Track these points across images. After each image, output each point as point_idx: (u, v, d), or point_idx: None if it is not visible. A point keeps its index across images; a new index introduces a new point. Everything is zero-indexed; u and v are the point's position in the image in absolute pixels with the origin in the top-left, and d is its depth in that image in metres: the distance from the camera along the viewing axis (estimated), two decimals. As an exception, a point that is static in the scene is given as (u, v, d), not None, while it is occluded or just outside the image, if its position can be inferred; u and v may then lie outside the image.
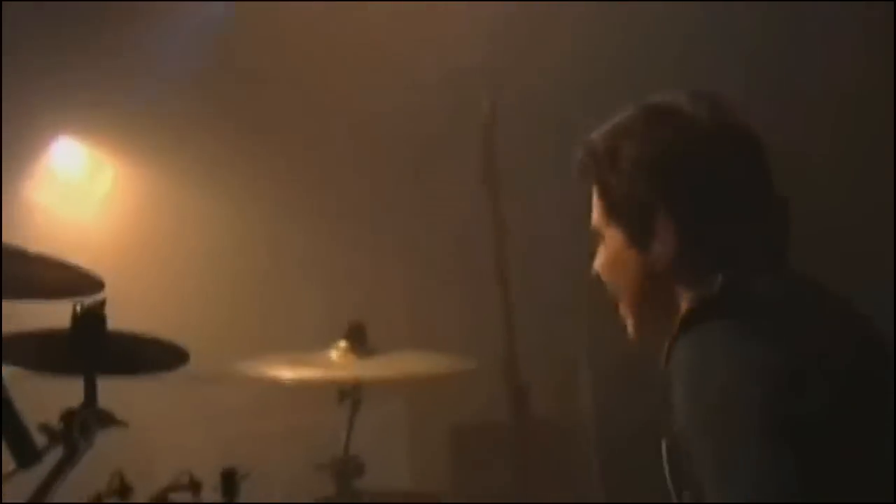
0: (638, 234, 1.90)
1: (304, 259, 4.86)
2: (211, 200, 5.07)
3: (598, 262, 1.97)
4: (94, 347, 2.59)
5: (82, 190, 5.34)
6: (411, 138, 4.60)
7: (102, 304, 2.62)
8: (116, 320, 4.65)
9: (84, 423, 2.54)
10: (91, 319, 2.60)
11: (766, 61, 4.07)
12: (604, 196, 1.93)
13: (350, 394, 3.52)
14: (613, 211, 1.92)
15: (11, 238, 4.77)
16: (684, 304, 1.90)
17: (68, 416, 2.54)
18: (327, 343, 3.58)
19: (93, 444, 2.58)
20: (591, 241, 1.99)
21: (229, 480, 2.78)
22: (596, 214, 1.96)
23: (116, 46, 5.08)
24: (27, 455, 2.35)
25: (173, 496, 3.08)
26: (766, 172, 1.96)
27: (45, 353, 2.63)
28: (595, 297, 2.08)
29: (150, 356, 2.70)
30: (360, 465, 3.45)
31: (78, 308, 2.60)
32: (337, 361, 3.54)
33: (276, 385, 3.41)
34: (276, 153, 4.95)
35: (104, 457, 3.22)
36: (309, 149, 4.92)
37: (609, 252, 1.95)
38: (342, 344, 3.57)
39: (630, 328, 1.97)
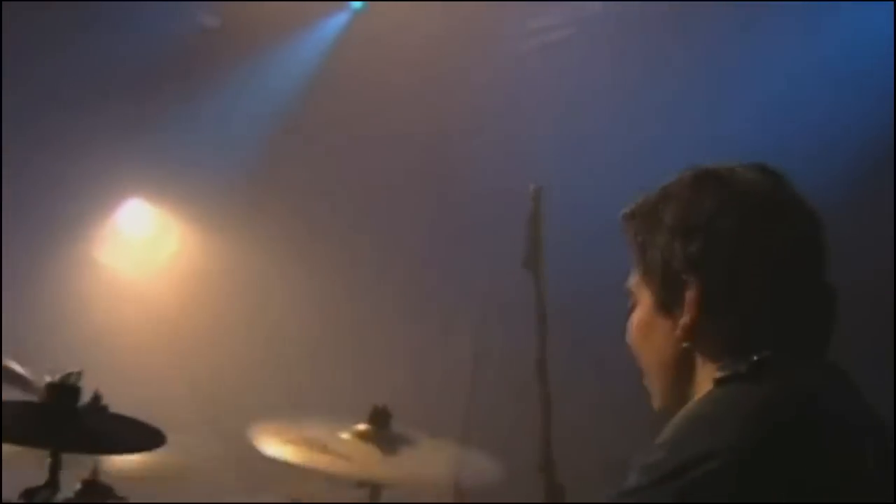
0: (665, 300, 1.81)
1: (351, 332, 4.78)
2: (273, 266, 5.02)
3: (629, 329, 1.89)
4: (65, 422, 2.43)
5: (148, 251, 5.32)
6: (464, 220, 4.51)
7: (78, 376, 2.47)
8: (165, 377, 4.73)
9: (45, 502, 2.38)
10: (63, 392, 2.45)
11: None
12: (640, 257, 1.85)
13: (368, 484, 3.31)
14: (647, 273, 1.84)
15: (76, 296, 4.94)
16: (705, 384, 1.78)
17: (28, 494, 2.38)
18: (349, 424, 3.37)
19: (53, 525, 2.42)
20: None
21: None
22: (632, 276, 1.88)
23: (189, 112, 5.11)
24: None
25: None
26: (814, 255, 1.83)
27: (17, 423, 2.46)
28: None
29: (123, 436, 2.52)
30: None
31: (49, 379, 2.45)
32: (360, 452, 3.29)
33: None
34: (340, 226, 4.93)
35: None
36: (364, 223, 4.90)
37: (639, 315, 1.86)
38: (362, 427, 3.35)
39: (654, 398, 1.87)
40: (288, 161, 5.10)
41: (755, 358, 1.76)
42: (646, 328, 1.86)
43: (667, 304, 1.81)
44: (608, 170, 4.05)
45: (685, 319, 1.79)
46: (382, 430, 3.36)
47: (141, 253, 5.32)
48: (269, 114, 5.17)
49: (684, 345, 1.80)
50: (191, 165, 5.11)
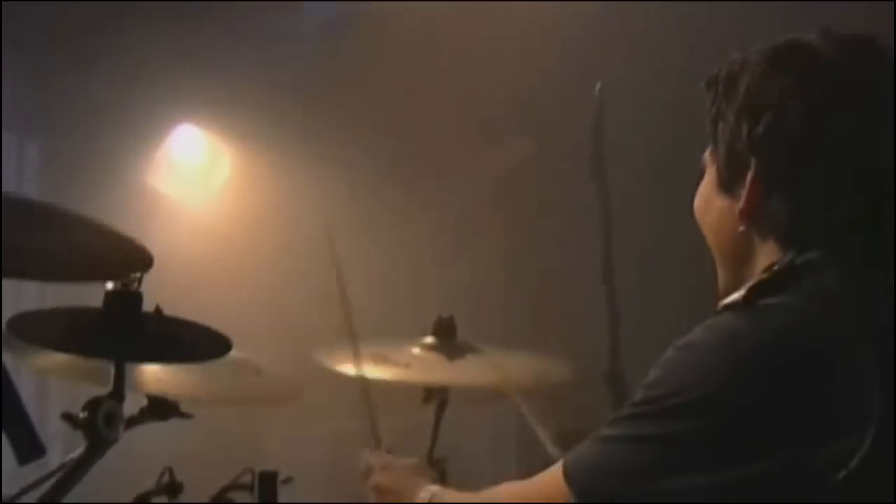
0: (726, 178, 1.77)
1: (405, 249, 4.70)
2: (324, 190, 4.93)
3: (695, 200, 1.86)
4: (127, 330, 2.37)
5: (200, 177, 5.26)
6: (519, 134, 4.40)
7: (139, 282, 2.40)
8: (223, 303, 4.70)
9: (110, 412, 2.32)
10: (125, 299, 2.38)
11: None
12: (712, 129, 1.81)
13: (437, 395, 3.24)
14: (715, 147, 1.80)
15: (130, 223, 4.91)
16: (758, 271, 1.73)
17: (93, 405, 2.32)
18: (413, 338, 3.30)
19: (119, 436, 2.36)
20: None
21: (267, 483, 2.51)
22: (709, 147, 1.84)
23: (241, 37, 5.03)
24: (28, 449, 2.11)
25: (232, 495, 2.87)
26: (886, 143, 1.71)
27: (73, 333, 2.39)
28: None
29: (188, 343, 2.46)
30: (441, 470, 3.15)
31: (111, 286, 2.38)
32: (423, 360, 3.24)
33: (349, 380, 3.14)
34: (389, 147, 4.85)
35: (157, 452, 3.09)
36: (417, 144, 4.79)
37: (704, 190, 1.83)
38: (429, 340, 3.29)
39: (719, 279, 1.84)
40: (343, 84, 5.01)
41: (776, 269, 1.69)
42: (705, 204, 1.81)
43: (727, 182, 1.76)
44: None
45: (741, 203, 1.74)
46: (448, 341, 3.29)
47: (194, 179, 5.27)
48: (322, 35, 5.07)
49: (742, 228, 1.74)
50: (241, 90, 5.03)
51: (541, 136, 4.42)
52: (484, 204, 4.70)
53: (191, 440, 3.71)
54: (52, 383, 4.99)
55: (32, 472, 2.34)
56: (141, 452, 3.06)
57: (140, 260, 2.33)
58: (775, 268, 1.70)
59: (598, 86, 3.29)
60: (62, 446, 2.60)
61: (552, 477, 1.79)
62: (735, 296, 1.72)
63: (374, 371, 3.16)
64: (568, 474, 1.76)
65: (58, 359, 2.74)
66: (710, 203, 1.81)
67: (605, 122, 3.32)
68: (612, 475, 1.70)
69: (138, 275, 2.38)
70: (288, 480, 2.59)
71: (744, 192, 1.73)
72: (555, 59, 4.23)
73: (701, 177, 1.84)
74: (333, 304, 4.76)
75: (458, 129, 4.68)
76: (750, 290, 1.69)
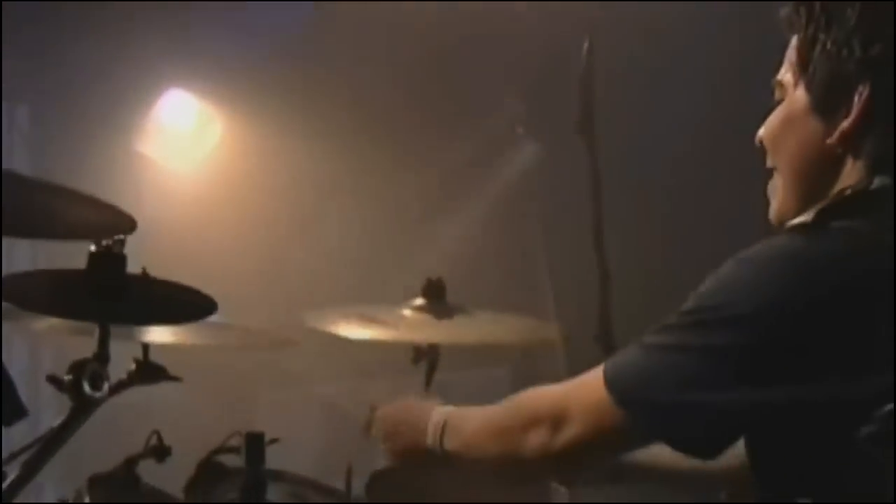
0: (827, 100, 1.74)
1: (394, 212, 4.73)
2: (316, 155, 4.92)
3: (770, 123, 1.83)
4: (111, 292, 2.35)
5: (190, 143, 5.24)
6: (507, 95, 4.38)
7: (122, 244, 2.38)
8: (212, 268, 4.70)
9: (95, 374, 2.31)
10: (109, 261, 2.36)
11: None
12: (804, 53, 1.77)
13: (426, 355, 3.23)
14: (809, 71, 1.76)
15: (118, 189, 4.91)
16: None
17: (78, 367, 2.31)
18: (402, 300, 3.29)
19: (104, 398, 2.35)
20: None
21: (254, 445, 2.50)
22: (785, 69, 1.81)
23: (232, 2, 4.97)
24: (10, 411, 2.11)
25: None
26: None
27: (57, 295, 2.38)
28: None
29: (172, 304, 2.44)
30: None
31: (95, 248, 2.37)
32: (411, 321, 3.23)
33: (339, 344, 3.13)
34: (378, 111, 4.80)
35: (146, 415, 3.08)
36: (406, 107, 4.77)
37: (787, 112, 1.80)
38: (418, 301, 3.27)
39: (774, 206, 1.83)
40: (332, 49, 4.98)
41: (847, 193, 1.69)
42: (793, 125, 1.78)
43: (824, 104, 1.74)
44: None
45: (847, 124, 1.71)
46: (437, 303, 3.27)
47: (184, 145, 5.24)
48: (313, 2, 5.05)
49: (836, 149, 1.73)
50: (232, 55, 5.00)
51: (529, 96, 4.39)
52: (473, 166, 4.68)
53: (181, 404, 3.72)
54: (44, 349, 5.00)
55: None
56: (130, 416, 3.06)
57: (122, 224, 2.32)
58: (847, 192, 1.70)
59: (585, 44, 3.28)
60: (55, 411, 2.60)
61: (591, 381, 1.76)
62: (804, 217, 1.72)
63: (361, 332, 3.16)
64: (608, 379, 1.74)
65: (51, 320, 2.72)
66: (796, 124, 1.78)
67: (594, 81, 3.30)
68: (654, 383, 1.68)
69: (122, 237, 2.35)
70: (274, 442, 2.56)
71: (853, 112, 1.71)
72: (542, 17, 4.20)
73: (777, 102, 1.83)
74: (323, 267, 4.81)
75: (447, 91, 4.67)
76: (819, 213, 1.69)
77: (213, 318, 2.60)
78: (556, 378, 3.97)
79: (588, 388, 1.76)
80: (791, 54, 1.81)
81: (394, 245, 4.64)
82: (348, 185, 4.88)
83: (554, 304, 3.70)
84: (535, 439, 1.79)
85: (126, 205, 4.82)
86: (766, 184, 1.87)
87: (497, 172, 4.66)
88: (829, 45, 1.74)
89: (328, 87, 4.88)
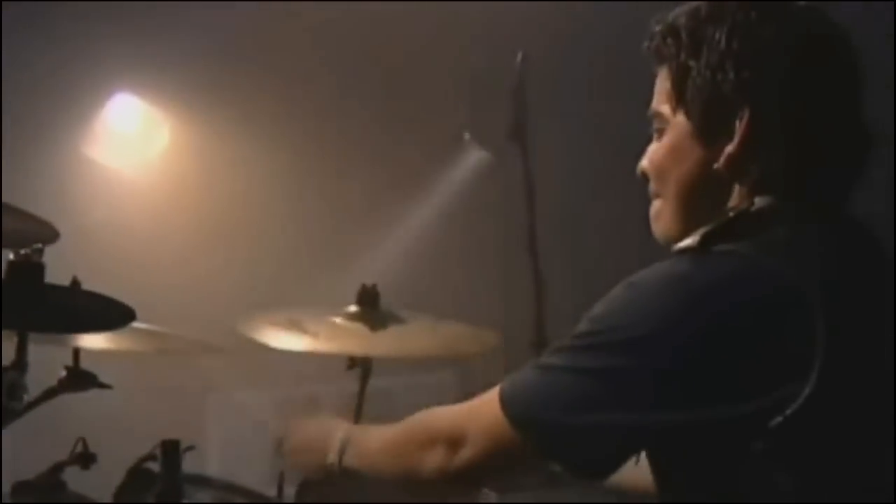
0: (710, 126, 1.76)
1: (343, 216, 4.74)
2: (264, 158, 4.93)
3: (653, 154, 1.85)
4: (29, 301, 2.35)
5: (137, 146, 5.22)
6: (445, 97, 4.40)
7: (40, 252, 2.38)
8: (162, 275, 4.69)
9: (12, 384, 2.31)
10: (27, 270, 2.36)
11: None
12: (678, 82, 1.78)
13: (360, 362, 3.23)
14: (687, 98, 1.77)
15: (66, 192, 4.90)
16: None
17: (-7, 377, 2.31)
18: (336, 307, 3.29)
19: (22, 408, 2.34)
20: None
21: (170, 452, 2.50)
22: (660, 99, 1.83)
23: (178, 4, 4.96)
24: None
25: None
26: (858, 101, 1.78)
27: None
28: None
29: (90, 313, 2.44)
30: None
31: (12, 257, 2.36)
32: (343, 330, 3.22)
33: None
34: (326, 116, 4.85)
35: (73, 422, 3.07)
36: (354, 113, 4.83)
37: (670, 141, 1.81)
38: (351, 309, 3.27)
39: (660, 226, 1.86)
40: (282, 51, 4.98)
41: (731, 215, 1.72)
42: (677, 152, 1.80)
43: (709, 130, 1.75)
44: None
45: (731, 148, 1.73)
46: (371, 310, 3.27)
47: (131, 148, 5.23)
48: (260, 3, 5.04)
49: (722, 173, 1.75)
50: (179, 58, 4.99)
51: (475, 103, 4.42)
52: (419, 171, 4.70)
53: (115, 411, 3.71)
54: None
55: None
56: (61, 422, 3.05)
57: (44, 233, 2.32)
58: (730, 214, 1.73)
59: (519, 55, 3.30)
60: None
61: (488, 401, 1.78)
62: (689, 240, 1.74)
63: (288, 341, 3.14)
64: (504, 400, 1.75)
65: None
66: (681, 152, 1.80)
67: (528, 91, 3.32)
68: (549, 404, 1.71)
69: (40, 246, 2.35)
70: (190, 449, 2.56)
71: (736, 136, 1.73)
72: (490, 24, 4.22)
73: (657, 134, 1.84)
74: (268, 271, 4.81)
75: (394, 96, 4.68)
76: (704, 236, 1.71)
77: (140, 325, 2.61)
78: (491, 385, 4.01)
79: (484, 408, 1.78)
80: (663, 84, 1.82)
81: (338, 249, 4.65)
82: (295, 189, 4.88)
83: (495, 309, 3.71)
84: (432, 460, 1.81)
85: (72, 208, 4.87)
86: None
87: (442, 178, 4.68)
88: (702, 71, 1.75)
89: (276, 90, 4.88)
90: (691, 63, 1.76)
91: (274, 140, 4.87)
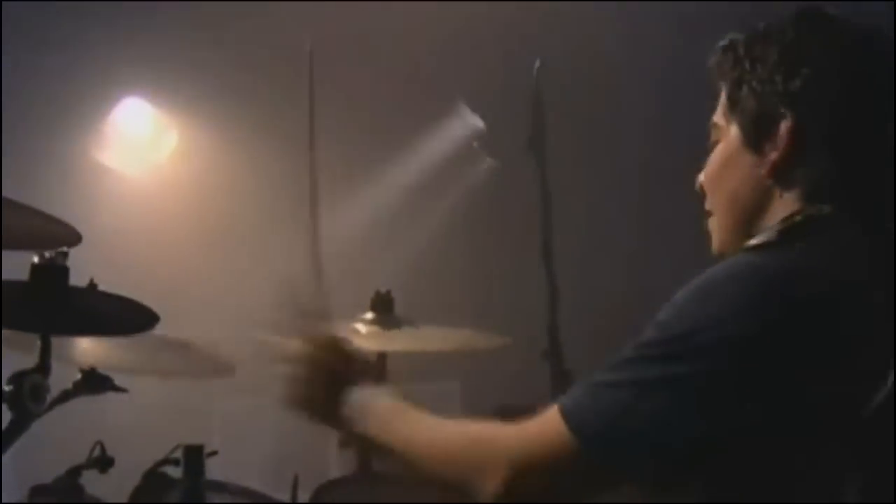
0: (755, 134, 1.78)
1: (352, 223, 4.72)
2: (272, 162, 4.94)
3: (709, 165, 1.87)
4: (52, 303, 2.35)
5: (146, 151, 5.23)
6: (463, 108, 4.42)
7: (65, 255, 2.38)
8: (170, 277, 4.69)
9: (35, 386, 2.31)
10: (51, 272, 2.36)
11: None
12: (732, 93, 1.83)
13: (373, 367, 3.22)
14: (737, 108, 1.81)
15: (75, 196, 4.90)
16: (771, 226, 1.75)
17: (18, 379, 2.31)
18: (352, 314, 3.29)
19: (44, 409, 2.34)
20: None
21: (193, 457, 2.50)
22: (718, 113, 1.86)
23: (185, 12, 4.97)
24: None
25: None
26: None
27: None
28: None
29: (114, 316, 2.44)
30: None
31: (38, 259, 2.37)
32: (361, 332, 3.22)
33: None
34: (334, 121, 4.80)
35: (89, 426, 3.07)
36: (362, 119, 4.84)
37: (723, 152, 1.84)
38: (368, 315, 3.27)
39: (714, 240, 1.85)
40: (290, 56, 4.98)
41: (798, 219, 1.71)
42: (728, 161, 1.82)
43: (756, 138, 1.78)
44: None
45: (774, 155, 1.75)
46: (386, 316, 3.28)
47: (140, 152, 5.24)
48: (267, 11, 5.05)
49: (767, 182, 1.76)
50: (188, 63, 5.00)
51: (485, 112, 4.43)
52: (429, 179, 4.70)
53: (130, 416, 3.71)
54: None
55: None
56: (77, 427, 3.05)
57: (67, 236, 2.32)
58: (799, 217, 1.72)
59: (537, 63, 3.31)
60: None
61: (550, 424, 1.66)
62: (761, 238, 1.73)
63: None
64: (572, 424, 1.64)
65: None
66: (733, 160, 1.82)
67: (545, 100, 3.32)
68: (624, 423, 1.62)
69: (65, 249, 2.35)
70: (213, 454, 2.56)
71: (778, 145, 1.75)
72: (501, 35, 4.23)
73: (713, 144, 1.87)
74: (280, 275, 4.79)
75: (403, 107, 4.68)
76: (780, 232, 1.71)
77: (158, 332, 2.61)
78: (507, 392, 4.00)
79: (549, 433, 1.67)
80: (723, 98, 1.86)
81: (350, 254, 4.65)
82: (304, 193, 4.88)
83: (504, 319, 3.71)
84: (494, 483, 1.68)
85: (82, 212, 4.86)
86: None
87: (452, 186, 4.68)
88: (754, 84, 1.79)
89: (284, 94, 4.88)
90: (746, 76, 1.81)
91: (282, 143, 4.86)
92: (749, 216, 1.79)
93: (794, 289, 1.63)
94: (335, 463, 3.57)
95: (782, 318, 1.60)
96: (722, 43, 1.86)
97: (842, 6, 1.92)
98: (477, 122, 4.42)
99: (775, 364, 1.59)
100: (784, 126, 1.75)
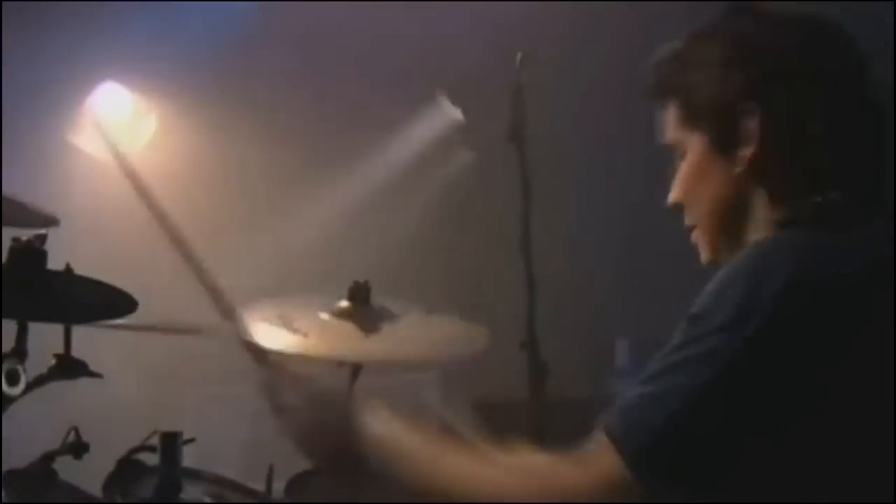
0: (722, 136, 1.73)
1: (331, 210, 4.71)
2: (252, 148, 4.92)
3: (678, 183, 1.81)
4: (30, 288, 2.34)
5: (125, 135, 5.19)
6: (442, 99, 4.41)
7: (42, 239, 2.36)
8: (148, 263, 4.66)
9: (11, 370, 2.29)
10: (28, 256, 2.34)
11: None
12: (686, 102, 1.77)
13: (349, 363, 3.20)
14: (697, 115, 1.76)
15: (52, 181, 4.86)
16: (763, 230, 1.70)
17: (-7, 364, 2.29)
18: (329, 300, 3.26)
19: (21, 393, 2.33)
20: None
21: (169, 445, 2.49)
22: (673, 128, 1.80)
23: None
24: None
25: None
26: (862, 73, 1.75)
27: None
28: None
29: (92, 301, 2.42)
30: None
31: (14, 243, 2.35)
32: (334, 329, 3.16)
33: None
34: (313, 107, 4.84)
35: (63, 411, 3.06)
36: (342, 105, 4.81)
37: (691, 162, 1.78)
38: (343, 304, 3.24)
39: (704, 251, 1.80)
40: (269, 41, 4.97)
41: (820, 199, 1.67)
42: (699, 171, 1.77)
43: (725, 140, 1.73)
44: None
45: (748, 151, 1.70)
46: (363, 307, 3.24)
47: (118, 137, 5.19)
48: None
49: (746, 179, 1.72)
50: (166, 46, 4.98)
51: (465, 103, 4.42)
52: (408, 169, 4.69)
53: (105, 401, 3.70)
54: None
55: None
56: (51, 412, 3.03)
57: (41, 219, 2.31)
58: (817, 200, 1.68)
59: (519, 55, 3.29)
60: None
61: (601, 452, 1.60)
62: (784, 220, 1.70)
63: (276, 339, 3.07)
64: (620, 444, 1.58)
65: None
66: (704, 170, 1.76)
67: (526, 91, 3.31)
68: (674, 430, 1.56)
69: (43, 232, 2.33)
70: (189, 441, 2.55)
71: (750, 141, 1.70)
72: (478, 29, 4.22)
73: (680, 160, 1.81)
74: (259, 262, 4.78)
75: (382, 95, 4.68)
76: (811, 212, 1.67)
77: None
78: (485, 383, 3.99)
79: (604, 462, 1.60)
80: (672, 114, 1.80)
81: (329, 241, 4.64)
82: (283, 180, 4.88)
83: (485, 309, 3.71)
84: None
85: (59, 197, 4.84)
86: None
87: (432, 178, 4.68)
88: (710, 86, 1.74)
89: (265, 81, 4.87)
90: (692, 81, 1.75)
91: (262, 130, 4.86)
92: (735, 217, 1.75)
93: (828, 275, 1.59)
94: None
95: (821, 306, 1.57)
96: (657, 58, 1.80)
97: (842, 6, 1.93)
98: (457, 114, 4.41)
99: (827, 354, 1.56)
100: (752, 120, 1.71)
